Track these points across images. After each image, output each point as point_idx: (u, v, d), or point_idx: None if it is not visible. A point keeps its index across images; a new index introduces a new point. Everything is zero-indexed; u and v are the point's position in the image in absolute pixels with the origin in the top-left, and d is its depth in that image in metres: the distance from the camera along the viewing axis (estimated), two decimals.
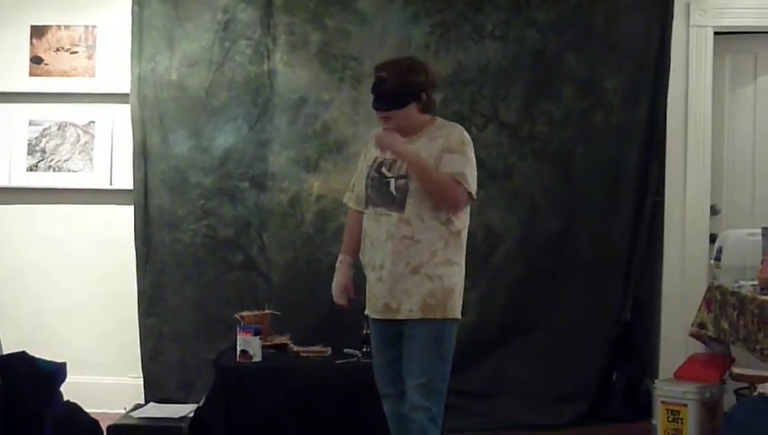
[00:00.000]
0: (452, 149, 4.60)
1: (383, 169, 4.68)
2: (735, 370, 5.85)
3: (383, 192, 4.65)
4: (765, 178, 6.71)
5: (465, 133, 4.71)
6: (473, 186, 4.62)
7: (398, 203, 4.59)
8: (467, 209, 4.72)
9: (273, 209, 6.66)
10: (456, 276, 4.66)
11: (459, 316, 4.69)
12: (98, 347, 6.72)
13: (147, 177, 6.66)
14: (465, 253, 4.73)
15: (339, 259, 4.93)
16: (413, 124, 4.66)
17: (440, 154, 4.59)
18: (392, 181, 4.63)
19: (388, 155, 4.68)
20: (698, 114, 6.48)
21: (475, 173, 4.67)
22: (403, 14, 6.59)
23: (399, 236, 4.58)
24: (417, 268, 4.58)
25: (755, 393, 3.78)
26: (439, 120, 4.76)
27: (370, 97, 6.24)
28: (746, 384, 5.85)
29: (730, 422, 3.90)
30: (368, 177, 4.74)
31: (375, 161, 4.73)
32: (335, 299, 4.91)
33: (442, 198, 4.58)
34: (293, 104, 6.64)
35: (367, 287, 4.76)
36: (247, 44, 6.65)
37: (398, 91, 4.62)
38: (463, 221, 4.69)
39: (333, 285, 4.90)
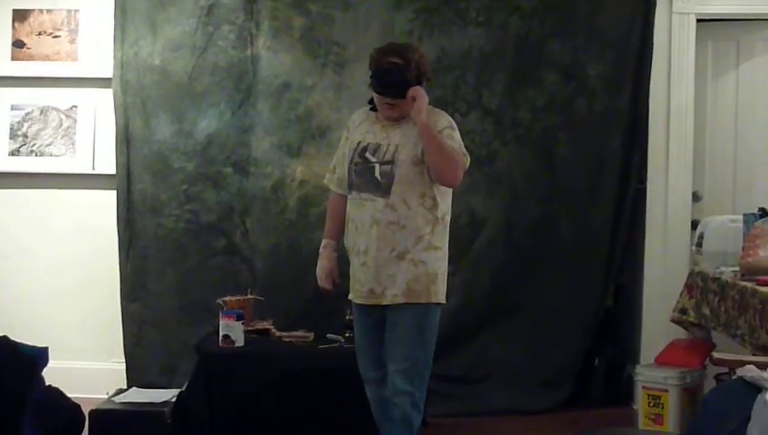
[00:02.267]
0: (441, 133, 4.60)
1: (367, 154, 4.66)
2: (716, 354, 5.85)
3: (367, 177, 4.64)
4: (747, 164, 6.74)
5: (451, 118, 4.73)
6: (467, 162, 4.67)
7: (383, 188, 4.59)
8: (450, 195, 4.73)
9: (256, 195, 6.65)
10: (440, 261, 4.67)
11: (443, 301, 4.71)
12: (80, 332, 6.72)
13: (129, 162, 6.64)
14: (448, 238, 4.74)
15: (322, 244, 4.93)
16: (409, 111, 4.63)
17: None
18: (377, 166, 4.62)
19: (372, 139, 4.67)
20: (681, 101, 6.50)
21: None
22: None
23: (385, 221, 4.58)
24: (402, 254, 4.59)
25: (734, 377, 3.79)
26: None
27: (353, 82, 6.33)
28: (726, 369, 5.87)
29: (707, 405, 3.92)
30: (351, 161, 4.71)
31: (358, 145, 4.71)
32: (320, 283, 4.91)
33: (447, 168, 4.56)
34: (276, 89, 6.62)
35: (351, 272, 4.76)
36: (230, 29, 6.63)
37: (414, 80, 4.61)
38: (447, 206, 4.70)
39: (318, 269, 4.90)
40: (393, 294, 4.61)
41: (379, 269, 4.62)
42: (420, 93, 4.57)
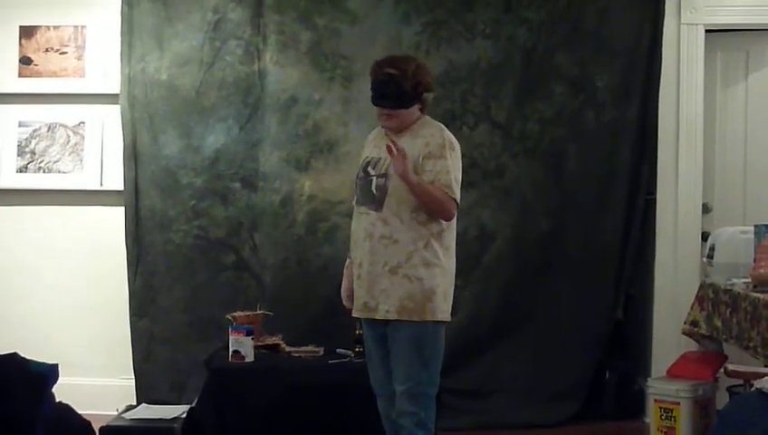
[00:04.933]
0: (433, 155, 4.56)
1: (369, 168, 4.67)
2: (730, 366, 5.85)
3: (366, 190, 4.64)
4: (757, 175, 6.72)
5: (447, 134, 4.66)
6: (457, 193, 4.61)
7: (377, 201, 4.58)
8: None
9: (264, 210, 6.63)
10: (438, 278, 4.60)
11: (444, 319, 4.63)
12: (89, 348, 6.70)
13: (137, 177, 6.64)
14: (451, 254, 4.68)
15: (346, 263, 4.91)
16: (409, 123, 4.64)
17: (421, 160, 4.55)
18: (374, 179, 4.61)
19: (376, 154, 4.67)
20: (690, 112, 6.48)
21: (460, 176, 4.65)
22: (394, 13, 6.57)
23: (377, 235, 4.56)
24: (395, 269, 4.55)
25: (753, 389, 3.76)
26: (424, 117, 4.72)
27: (361, 96, 6.32)
28: (741, 381, 5.85)
29: (725, 419, 3.88)
30: (357, 176, 4.73)
31: (364, 160, 4.73)
32: (343, 302, 4.89)
33: (438, 211, 4.55)
34: (284, 104, 6.61)
35: (354, 286, 4.76)
36: (237, 44, 6.63)
37: (410, 90, 4.59)
38: (448, 222, 4.64)
39: (341, 288, 4.89)
40: (385, 310, 4.57)
41: (372, 283, 4.60)
42: (396, 151, 4.46)
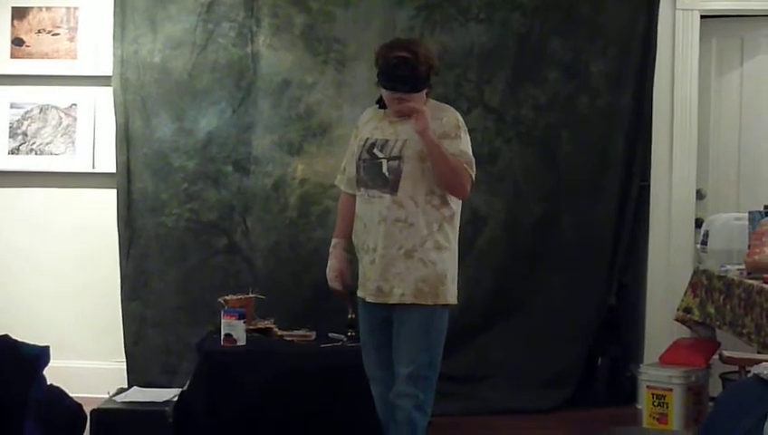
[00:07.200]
0: (449, 135, 4.55)
1: (375, 150, 4.60)
2: (726, 353, 5.83)
3: (375, 174, 4.58)
4: (751, 162, 6.72)
5: (459, 116, 4.66)
6: (473, 173, 4.60)
7: (390, 185, 4.53)
8: None
9: (256, 193, 6.61)
10: (449, 262, 4.61)
11: (452, 302, 4.63)
12: (81, 331, 6.69)
13: (129, 160, 6.61)
14: (457, 237, 4.68)
15: (332, 243, 4.86)
16: (419, 105, 4.56)
17: (437, 140, 4.50)
18: (384, 162, 4.56)
19: (379, 135, 4.63)
20: (684, 98, 6.47)
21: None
22: None
23: (392, 218, 4.52)
24: (410, 252, 4.52)
25: (749, 375, 3.75)
26: (431, 101, 4.67)
27: (354, 80, 6.32)
28: (736, 368, 5.83)
29: (721, 404, 3.87)
30: (359, 158, 4.66)
31: (366, 142, 4.65)
32: (330, 283, 4.84)
33: (455, 184, 4.53)
34: (277, 87, 6.59)
35: (359, 270, 4.71)
36: (231, 27, 6.59)
37: (424, 73, 4.54)
38: (456, 205, 4.64)
39: (328, 269, 4.83)
40: (401, 293, 4.54)
41: (386, 267, 4.56)
42: (420, 111, 4.46)
